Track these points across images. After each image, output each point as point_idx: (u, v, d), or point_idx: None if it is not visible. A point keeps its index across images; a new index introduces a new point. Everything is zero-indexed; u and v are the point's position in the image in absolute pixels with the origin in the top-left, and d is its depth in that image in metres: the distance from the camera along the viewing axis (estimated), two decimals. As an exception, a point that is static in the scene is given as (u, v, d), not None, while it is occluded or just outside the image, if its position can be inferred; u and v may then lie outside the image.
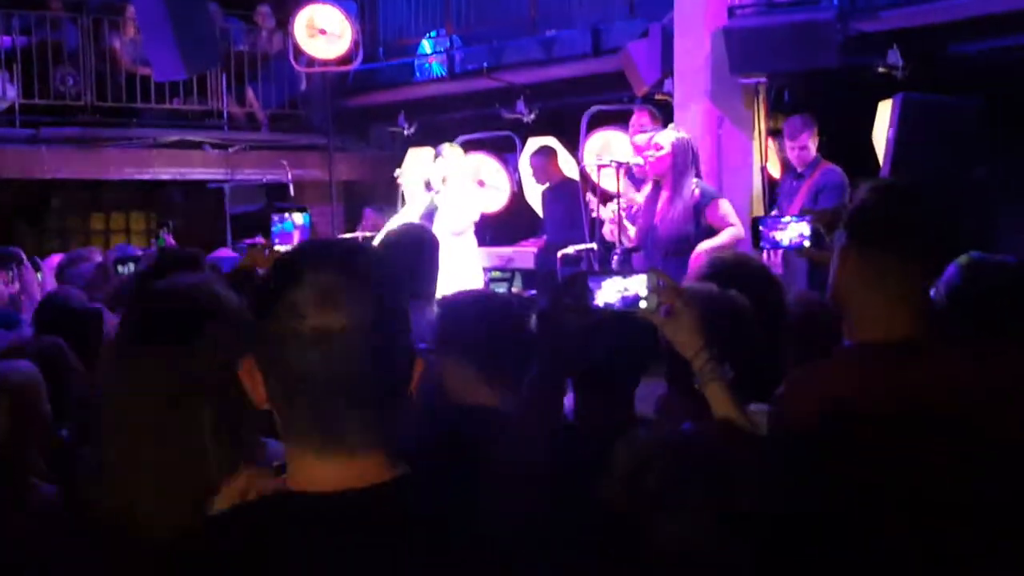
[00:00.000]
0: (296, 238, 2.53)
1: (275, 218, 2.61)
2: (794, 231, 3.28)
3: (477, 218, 8.00)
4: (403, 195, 8.50)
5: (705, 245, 5.95)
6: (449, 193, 7.87)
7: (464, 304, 2.74)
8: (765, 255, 6.29)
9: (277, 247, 2.54)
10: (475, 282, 7.64)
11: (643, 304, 2.05)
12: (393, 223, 5.55)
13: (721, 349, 2.06)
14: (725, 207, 6.18)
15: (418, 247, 3.93)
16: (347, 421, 1.30)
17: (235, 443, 1.56)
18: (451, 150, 8.14)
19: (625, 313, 2.05)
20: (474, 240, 7.96)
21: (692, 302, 2.06)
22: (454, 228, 7.37)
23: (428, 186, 7.69)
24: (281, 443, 1.36)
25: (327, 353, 1.29)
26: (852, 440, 1.91)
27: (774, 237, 3.32)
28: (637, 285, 2.06)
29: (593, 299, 2.06)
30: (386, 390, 1.31)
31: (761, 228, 3.35)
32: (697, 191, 6.15)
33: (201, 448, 1.57)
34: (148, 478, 1.55)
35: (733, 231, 6.08)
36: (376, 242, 4.18)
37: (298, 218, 2.46)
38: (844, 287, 2.13)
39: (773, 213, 6.40)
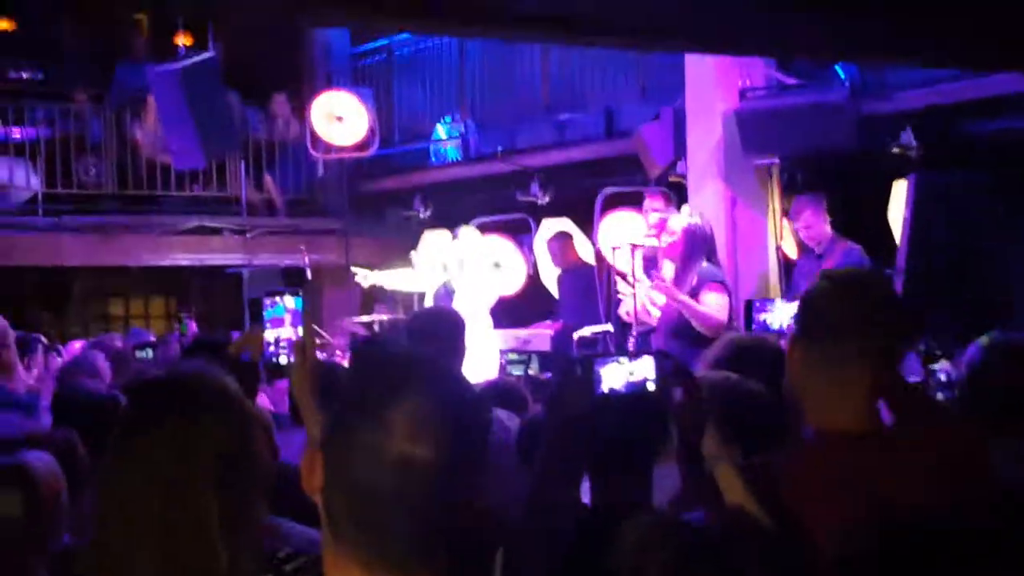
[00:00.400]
0: (288, 322, 2.52)
1: (266, 302, 2.59)
2: (785, 315, 3.27)
3: (494, 300, 8.03)
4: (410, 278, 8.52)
5: (686, 299, 6.00)
6: (466, 275, 7.90)
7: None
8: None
9: (268, 331, 2.53)
10: (492, 365, 7.63)
11: (651, 387, 2.03)
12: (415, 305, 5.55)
13: (734, 433, 2.04)
14: (710, 296, 6.14)
15: (449, 329, 3.99)
16: (406, 544, 1.27)
17: (244, 531, 1.52)
18: (467, 232, 8.19)
19: (631, 394, 2.03)
20: (491, 322, 7.97)
21: (703, 388, 2.05)
22: (471, 310, 7.37)
23: (444, 268, 7.73)
24: (299, 528, 1.35)
25: (407, 481, 1.26)
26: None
27: (764, 320, 3.32)
28: (644, 368, 2.04)
29: (599, 383, 2.03)
30: (453, 522, 1.29)
31: (753, 310, 3.35)
32: (695, 278, 6.13)
33: (208, 537, 1.53)
34: (150, 569, 1.52)
35: (706, 311, 6.07)
36: (407, 326, 4.18)
37: (289, 302, 2.46)
38: (794, 377, 2.18)
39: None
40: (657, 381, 2.02)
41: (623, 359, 2.05)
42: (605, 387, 2.04)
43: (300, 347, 2.06)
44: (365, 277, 8.37)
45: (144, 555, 1.51)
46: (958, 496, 2.02)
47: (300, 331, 2.25)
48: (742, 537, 1.64)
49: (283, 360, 2.21)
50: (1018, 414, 2.80)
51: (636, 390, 2.04)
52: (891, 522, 1.66)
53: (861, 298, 2.14)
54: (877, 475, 2.00)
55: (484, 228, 9.28)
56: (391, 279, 8.47)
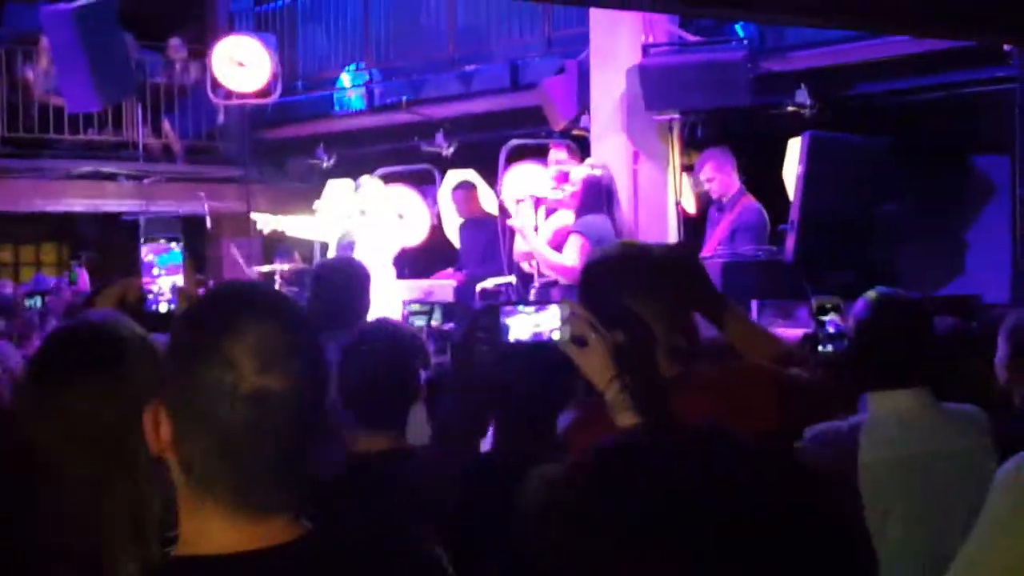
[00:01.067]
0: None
1: (149, 248, 2.47)
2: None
3: (397, 251, 8.00)
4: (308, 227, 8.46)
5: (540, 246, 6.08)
6: (369, 225, 7.86)
7: (350, 350, 2.72)
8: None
9: (164, 279, 2.47)
10: (394, 315, 7.63)
11: (556, 336, 2.03)
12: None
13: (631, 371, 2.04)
14: (570, 245, 6.20)
15: (353, 280, 3.96)
16: (266, 483, 1.26)
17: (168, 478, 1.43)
18: (371, 182, 8.13)
19: (539, 345, 2.03)
20: (393, 272, 7.94)
21: (605, 333, 2.05)
22: (374, 261, 7.35)
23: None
24: None
25: (261, 414, 1.24)
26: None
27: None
28: (550, 318, 2.03)
29: (506, 334, 2.03)
30: (305, 450, 1.28)
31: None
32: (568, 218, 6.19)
33: (141, 485, 1.51)
34: (92, 524, 1.48)
35: (558, 259, 6.15)
36: (311, 276, 4.17)
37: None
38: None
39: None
40: (563, 331, 2.02)
41: (529, 309, 2.05)
42: (511, 337, 2.03)
43: (183, 295, 2.02)
44: (266, 223, 8.27)
45: (84, 512, 1.48)
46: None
47: (182, 279, 2.21)
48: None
49: (163, 308, 2.17)
50: (900, 365, 2.91)
51: (542, 340, 2.03)
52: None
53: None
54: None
55: (388, 178, 9.22)
56: (293, 226, 8.39)
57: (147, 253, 2.49)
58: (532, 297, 6.31)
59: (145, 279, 2.24)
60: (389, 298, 7.67)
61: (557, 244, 6.37)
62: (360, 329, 2.91)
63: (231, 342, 1.24)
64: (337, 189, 9.78)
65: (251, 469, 1.24)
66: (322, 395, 1.30)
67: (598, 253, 2.35)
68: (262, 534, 1.25)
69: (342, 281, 3.92)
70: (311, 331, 1.31)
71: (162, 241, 2.52)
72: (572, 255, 6.12)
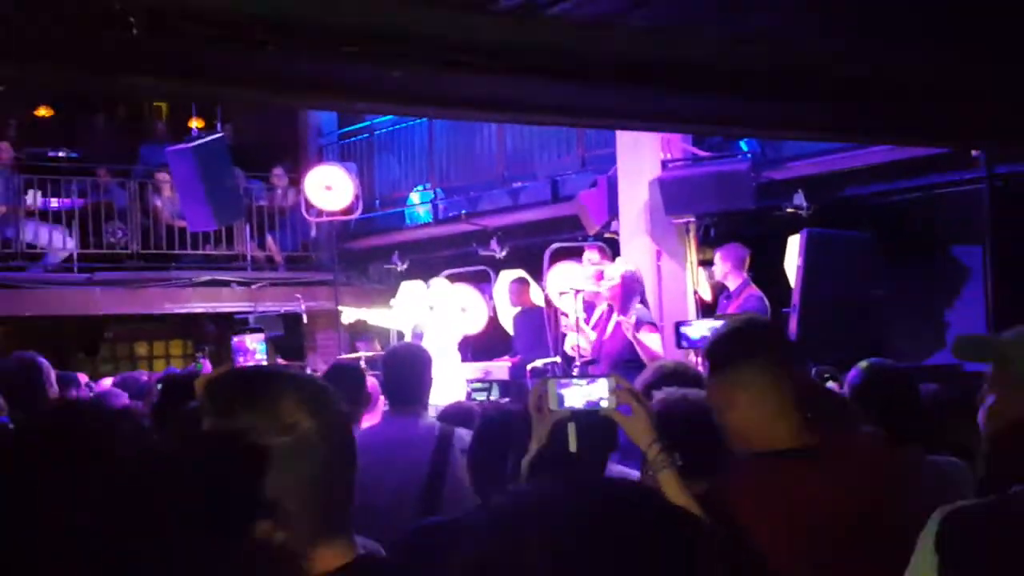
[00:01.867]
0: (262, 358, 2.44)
1: (235, 340, 2.43)
2: (701, 329, 3.72)
3: (460, 338, 7.97)
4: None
5: (641, 337, 6.06)
6: (437, 318, 7.84)
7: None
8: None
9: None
10: (458, 392, 7.55)
11: (604, 404, 2.03)
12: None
13: (680, 440, 2.02)
14: (650, 336, 6.20)
15: (417, 362, 3.90)
16: (342, 502, 1.39)
17: None
18: (438, 282, 8.16)
19: (589, 412, 2.03)
20: (458, 356, 7.90)
21: (647, 403, 2.05)
22: (441, 347, 7.32)
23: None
24: None
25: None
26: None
27: (686, 334, 3.88)
28: (599, 389, 2.04)
29: (561, 402, 2.04)
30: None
31: (679, 327, 3.39)
32: (633, 317, 6.15)
33: None
34: None
35: (651, 346, 6.12)
36: (382, 359, 4.15)
37: (253, 342, 2.32)
38: (714, 406, 2.20)
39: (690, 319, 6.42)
40: (610, 400, 2.02)
41: (582, 381, 2.05)
42: (567, 404, 2.04)
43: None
44: (350, 315, 8.30)
45: None
46: (876, 497, 2.01)
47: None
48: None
49: None
50: (891, 425, 2.82)
51: (592, 407, 2.04)
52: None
53: (751, 334, 2.18)
54: (806, 487, 1.99)
55: (452, 278, 9.26)
56: (374, 318, 8.41)
57: (239, 342, 2.45)
58: (575, 374, 6.22)
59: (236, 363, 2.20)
60: (454, 377, 7.63)
61: (603, 328, 6.38)
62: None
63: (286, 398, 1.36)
64: (410, 288, 9.81)
65: (334, 499, 1.36)
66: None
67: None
68: (336, 553, 1.33)
69: (408, 363, 3.84)
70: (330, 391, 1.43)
71: (245, 332, 2.48)
72: (655, 342, 6.14)
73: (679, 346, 3.34)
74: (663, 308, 7.42)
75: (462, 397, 7.51)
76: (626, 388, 2.03)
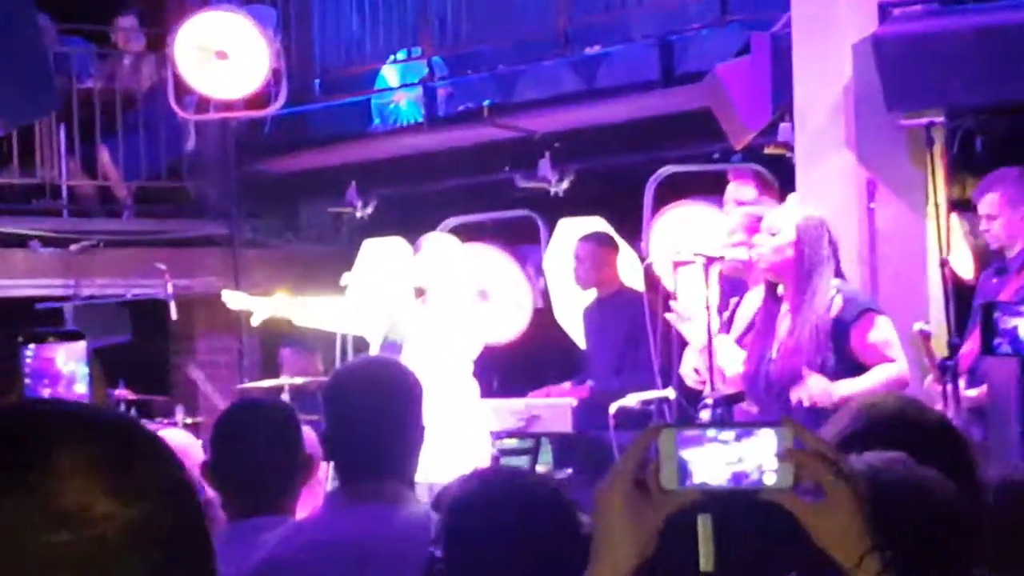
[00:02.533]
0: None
1: (25, 351, 2.55)
2: None
3: (478, 351, 8.05)
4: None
5: (847, 388, 5.99)
6: (433, 310, 7.87)
7: (475, 500, 2.89)
8: (943, 402, 6.30)
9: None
10: (477, 455, 7.65)
11: (770, 480, 2.07)
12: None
13: (904, 554, 2.09)
14: (883, 328, 6.23)
15: (391, 398, 4.01)
16: None
17: None
18: (436, 242, 8.17)
19: (739, 494, 2.08)
20: (475, 388, 7.94)
21: (857, 478, 2.07)
22: (439, 367, 7.36)
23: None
24: None
25: None
26: None
27: (1017, 330, 3.36)
28: (759, 450, 2.08)
29: (685, 475, 2.09)
30: None
31: (995, 317, 3.39)
32: (839, 299, 6.17)
33: None
34: None
35: (892, 369, 6.14)
36: (324, 391, 4.26)
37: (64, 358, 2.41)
38: None
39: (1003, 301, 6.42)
40: (782, 471, 2.06)
41: (727, 434, 2.09)
42: (697, 480, 2.10)
43: None
44: (250, 305, 8.39)
45: None
46: None
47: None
48: None
49: None
50: None
51: (748, 487, 2.09)
52: None
53: None
54: None
55: (464, 234, 9.27)
56: (305, 313, 8.45)
57: (38, 359, 2.57)
58: (704, 419, 6.27)
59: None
60: (467, 430, 7.68)
61: (766, 331, 6.44)
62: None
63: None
64: (379, 251, 9.85)
65: None
66: None
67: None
68: None
69: (373, 400, 3.94)
70: None
71: (51, 340, 2.59)
72: (896, 348, 6.23)
73: (991, 350, 3.29)
74: (879, 289, 7.45)
75: (483, 463, 7.55)
76: (814, 449, 2.08)
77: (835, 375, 6.12)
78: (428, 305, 7.94)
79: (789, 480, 2.05)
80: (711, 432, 2.09)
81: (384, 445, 3.92)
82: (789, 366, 6.22)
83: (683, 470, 2.08)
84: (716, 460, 2.08)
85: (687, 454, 2.08)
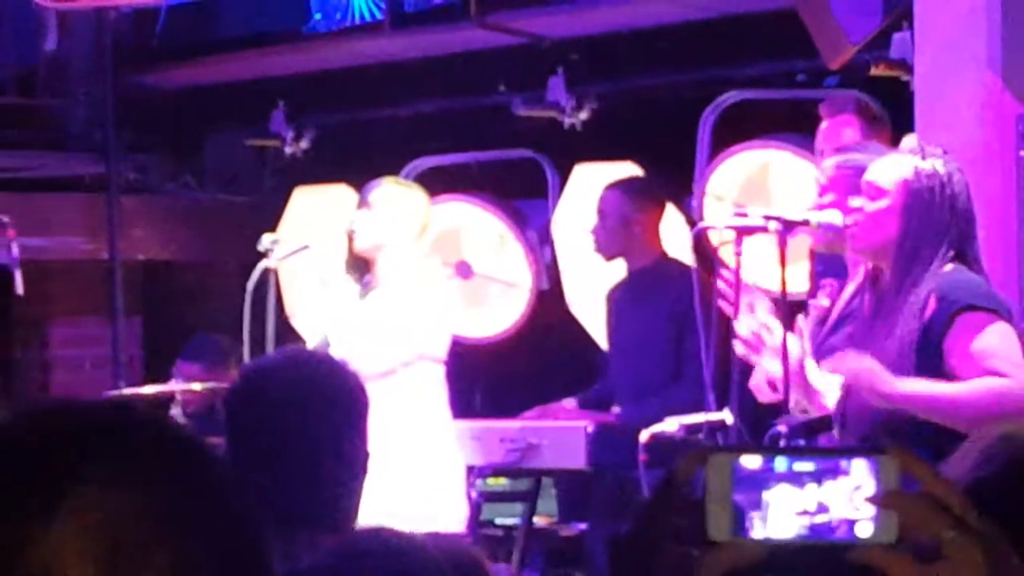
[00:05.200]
0: None
1: None
2: None
3: (443, 351, 8.12)
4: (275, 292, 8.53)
5: (915, 388, 6.05)
6: (387, 290, 7.90)
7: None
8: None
9: None
10: (444, 499, 7.73)
11: (864, 532, 2.07)
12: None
13: None
14: (994, 335, 6.23)
15: (321, 410, 4.12)
16: None
17: None
18: (397, 192, 8.20)
19: (818, 552, 2.09)
20: (441, 401, 8.03)
21: (991, 537, 2.08)
22: (389, 363, 7.39)
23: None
24: None
25: None
26: None
27: None
28: (848, 488, 2.08)
29: (745, 523, 2.09)
30: None
31: None
32: (934, 296, 6.16)
33: None
34: None
35: (1001, 384, 6.14)
36: (225, 400, 4.40)
37: None
38: None
39: None
40: (882, 521, 2.07)
41: (805, 465, 2.10)
42: (759, 532, 2.09)
43: None
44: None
45: None
46: None
47: None
48: None
49: None
50: None
51: (831, 542, 2.09)
52: None
53: None
54: None
55: (438, 182, 9.32)
56: None
57: None
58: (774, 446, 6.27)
59: None
60: (434, 460, 7.74)
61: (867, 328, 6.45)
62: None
63: None
64: (314, 205, 9.87)
65: None
66: None
67: None
68: None
69: (293, 417, 4.05)
70: None
71: None
72: (1002, 358, 6.19)
73: None
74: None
75: (457, 516, 7.71)
76: (929, 491, 2.08)
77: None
78: (374, 283, 7.97)
79: (892, 534, 2.06)
80: (780, 462, 2.09)
81: (316, 480, 4.01)
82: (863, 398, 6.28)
83: (740, 516, 2.09)
84: (787, 502, 2.09)
85: (746, 493, 2.10)
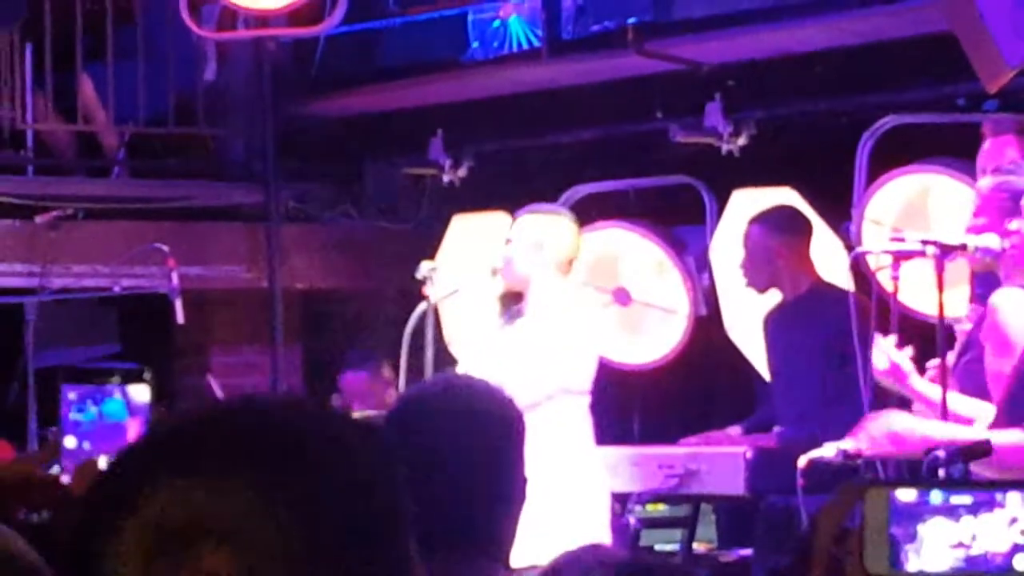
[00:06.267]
0: (131, 432, 2.59)
1: (70, 394, 2.67)
2: None
3: (587, 384, 8.12)
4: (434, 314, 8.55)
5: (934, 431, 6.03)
6: (543, 316, 7.91)
7: None
8: None
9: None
10: (597, 525, 7.76)
11: (1022, 564, 2.11)
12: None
13: None
14: None
15: (484, 437, 4.12)
16: None
17: None
18: (538, 224, 8.21)
19: None
20: (587, 430, 8.05)
21: None
22: (534, 396, 7.41)
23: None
24: None
25: None
26: None
27: None
28: (1006, 521, 2.12)
29: (901, 557, 2.12)
30: None
31: None
32: None
33: None
34: None
35: None
36: (387, 426, 4.37)
37: (136, 393, 2.51)
38: None
39: None
40: None
41: (962, 499, 2.12)
42: (915, 565, 2.12)
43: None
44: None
45: None
46: None
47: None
48: None
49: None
50: None
51: (985, 573, 2.12)
52: None
53: None
54: None
55: (596, 209, 9.28)
56: None
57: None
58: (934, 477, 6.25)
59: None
60: (581, 490, 7.81)
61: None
62: None
63: None
64: (472, 232, 9.88)
65: None
66: None
67: None
68: None
69: (458, 444, 4.07)
70: None
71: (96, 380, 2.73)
72: None
73: None
74: None
75: (605, 538, 7.70)
76: None
77: None
78: (522, 313, 8.01)
79: None
80: (936, 496, 2.11)
81: (473, 504, 4.00)
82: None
83: (896, 549, 2.11)
84: (943, 535, 2.11)
85: (903, 526, 2.11)
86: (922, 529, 2.11)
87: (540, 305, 8.01)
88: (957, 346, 6.88)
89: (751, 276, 8.98)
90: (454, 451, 4.03)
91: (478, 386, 4.49)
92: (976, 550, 2.09)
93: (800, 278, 8.94)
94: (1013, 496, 2.08)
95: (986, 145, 7.78)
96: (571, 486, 7.77)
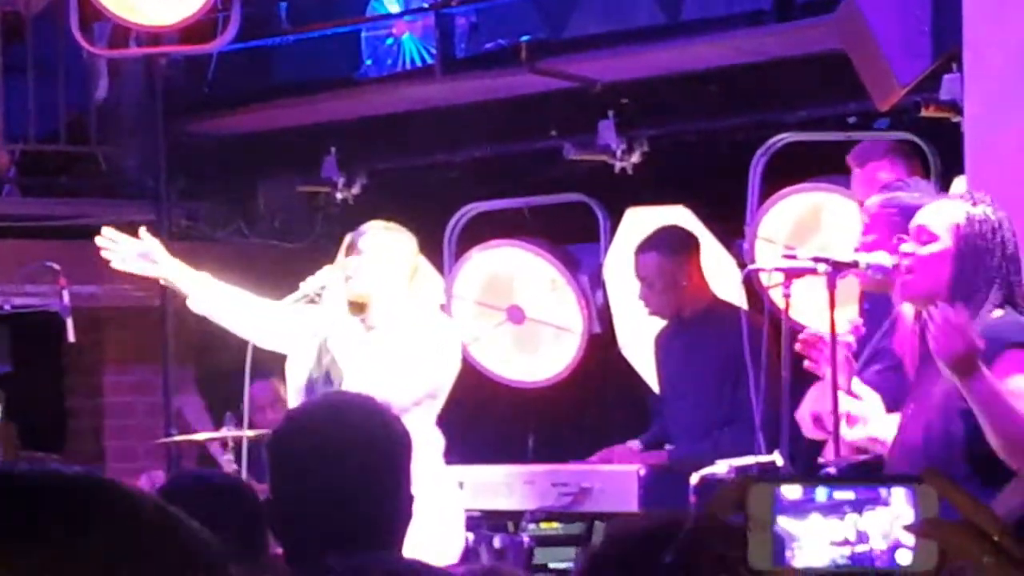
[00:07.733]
0: None
1: None
2: None
3: (439, 394, 8.11)
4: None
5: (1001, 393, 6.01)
6: (385, 334, 7.96)
7: None
8: None
9: None
10: (446, 544, 7.78)
11: (904, 560, 2.11)
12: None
13: None
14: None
15: (372, 452, 4.15)
16: None
17: None
18: (384, 238, 8.31)
19: None
20: (437, 444, 8.08)
21: None
22: (410, 397, 7.54)
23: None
24: None
25: None
26: None
27: None
28: (888, 517, 2.12)
29: (786, 553, 2.13)
30: None
31: None
32: (982, 335, 6.12)
33: None
34: None
35: None
36: (271, 443, 4.43)
37: None
38: None
39: None
40: (922, 549, 2.10)
41: (844, 494, 2.14)
42: (800, 561, 2.13)
43: None
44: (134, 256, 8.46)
45: None
46: None
47: None
48: None
49: None
50: None
51: (872, 570, 2.13)
52: None
53: None
54: None
55: (490, 227, 9.28)
56: (225, 300, 8.58)
57: None
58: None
59: None
60: (434, 493, 7.72)
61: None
62: None
63: None
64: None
65: None
66: None
67: None
68: None
69: (337, 461, 4.12)
70: None
71: None
72: None
73: None
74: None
75: (453, 549, 7.82)
76: (970, 519, 2.09)
77: (964, 449, 6.16)
78: (370, 325, 8.14)
79: (931, 561, 2.08)
80: (821, 492, 2.11)
81: (358, 523, 4.05)
82: (931, 419, 6.27)
83: (780, 544, 2.11)
84: (827, 531, 2.11)
85: (787, 522, 2.12)
86: (806, 526, 2.11)
87: (387, 317, 8.10)
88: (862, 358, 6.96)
89: (656, 304, 8.98)
90: (338, 471, 4.07)
91: (365, 405, 4.54)
92: (861, 547, 2.10)
93: (699, 297, 8.97)
94: (897, 492, 2.10)
95: (856, 174, 7.83)
96: (427, 488, 7.79)
